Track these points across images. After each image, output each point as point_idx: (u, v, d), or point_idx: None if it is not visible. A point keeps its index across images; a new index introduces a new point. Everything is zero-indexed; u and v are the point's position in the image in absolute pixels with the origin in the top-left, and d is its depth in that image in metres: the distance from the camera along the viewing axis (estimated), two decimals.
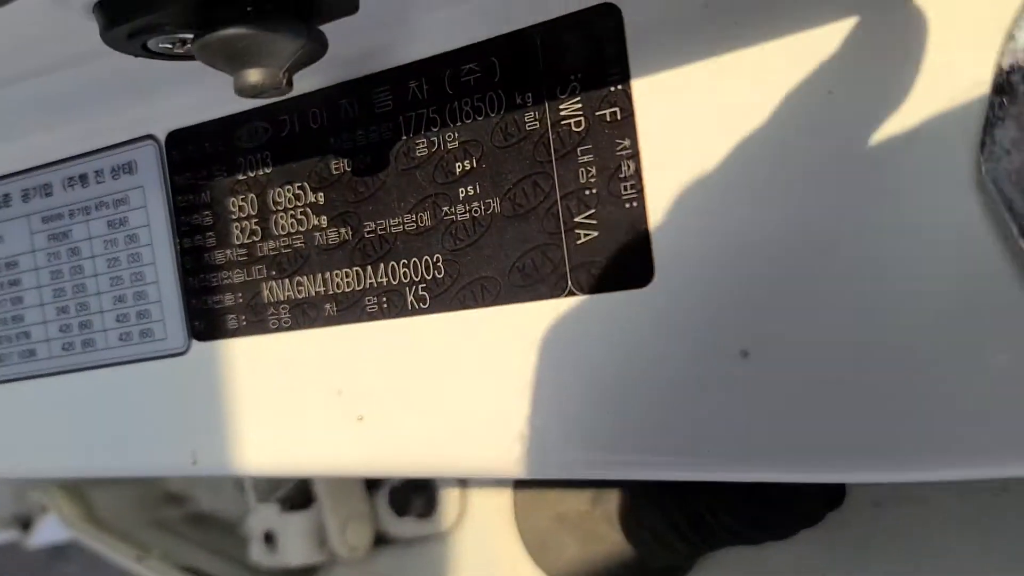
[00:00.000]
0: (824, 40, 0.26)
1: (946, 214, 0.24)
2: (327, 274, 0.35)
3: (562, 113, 0.30)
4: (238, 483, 0.65)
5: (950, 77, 0.24)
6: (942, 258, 0.24)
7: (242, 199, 0.36)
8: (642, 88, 0.28)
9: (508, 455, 0.32)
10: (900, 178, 0.25)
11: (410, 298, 0.33)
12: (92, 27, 0.29)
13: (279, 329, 0.36)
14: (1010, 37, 0.22)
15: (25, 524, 0.83)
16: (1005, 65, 0.22)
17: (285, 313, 0.36)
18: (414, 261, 0.33)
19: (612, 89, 0.29)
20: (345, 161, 0.34)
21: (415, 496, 0.55)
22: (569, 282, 0.30)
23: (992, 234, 0.23)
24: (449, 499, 0.55)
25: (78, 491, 0.67)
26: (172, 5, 0.27)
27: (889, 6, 0.25)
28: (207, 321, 0.38)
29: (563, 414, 0.30)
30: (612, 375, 0.29)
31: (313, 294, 0.35)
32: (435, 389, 0.33)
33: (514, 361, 0.31)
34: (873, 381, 0.26)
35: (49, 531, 0.80)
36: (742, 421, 0.27)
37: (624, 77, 0.28)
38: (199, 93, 0.37)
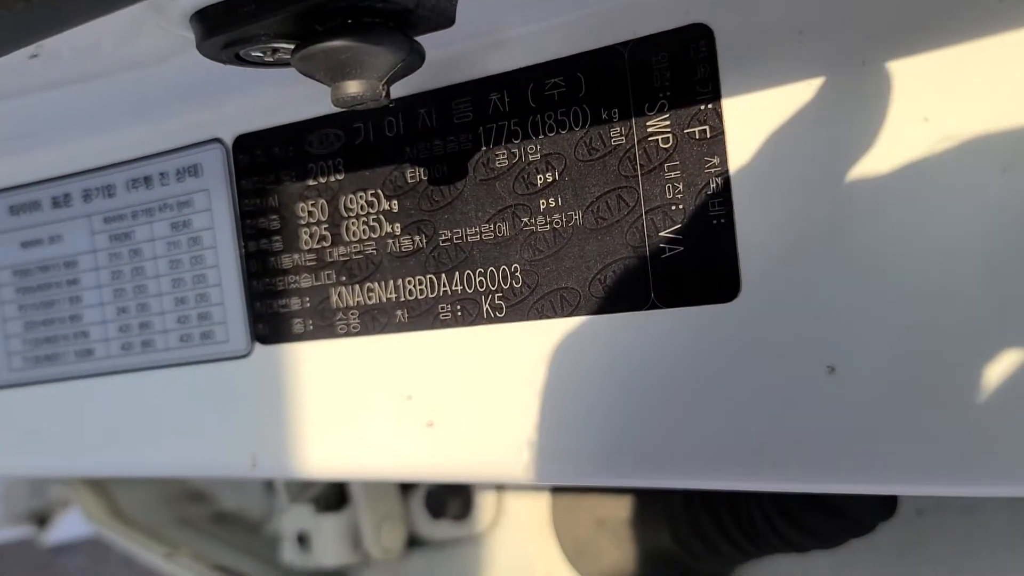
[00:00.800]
0: (917, 71, 0.26)
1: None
2: (399, 281, 0.35)
3: (649, 129, 0.30)
4: (267, 483, 0.65)
5: None
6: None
7: (312, 204, 0.37)
8: (733, 108, 0.29)
9: (583, 465, 0.32)
10: (996, 212, 0.25)
11: (486, 307, 0.33)
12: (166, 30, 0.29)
13: (347, 334, 0.36)
14: None
15: (41, 520, 0.82)
16: None
17: (354, 318, 0.36)
18: (491, 270, 0.33)
19: (702, 107, 0.29)
20: (421, 170, 0.34)
21: (451, 498, 0.55)
22: (653, 295, 0.30)
23: None
24: (485, 502, 0.55)
25: (102, 487, 0.67)
26: (275, 17, 0.27)
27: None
28: (271, 325, 0.38)
29: (643, 424, 0.31)
30: (695, 388, 0.30)
31: (384, 300, 0.35)
32: (509, 397, 0.33)
33: (594, 371, 0.31)
34: (948, 393, 0.27)
35: (68, 527, 0.80)
36: (827, 434, 0.28)
37: (715, 96, 0.29)
38: (268, 98, 0.37)
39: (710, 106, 0.29)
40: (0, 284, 0.43)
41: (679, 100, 0.29)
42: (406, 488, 0.58)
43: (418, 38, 0.29)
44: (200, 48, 0.29)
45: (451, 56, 0.33)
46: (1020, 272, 0.26)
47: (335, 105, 0.28)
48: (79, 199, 0.42)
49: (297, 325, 0.37)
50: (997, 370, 0.26)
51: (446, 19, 0.29)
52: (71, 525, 0.78)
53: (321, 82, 0.28)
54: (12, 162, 0.43)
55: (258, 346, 0.38)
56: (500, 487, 0.55)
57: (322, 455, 0.38)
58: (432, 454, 0.35)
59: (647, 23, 0.30)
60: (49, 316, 0.43)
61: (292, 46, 0.28)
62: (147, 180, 0.40)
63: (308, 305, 0.37)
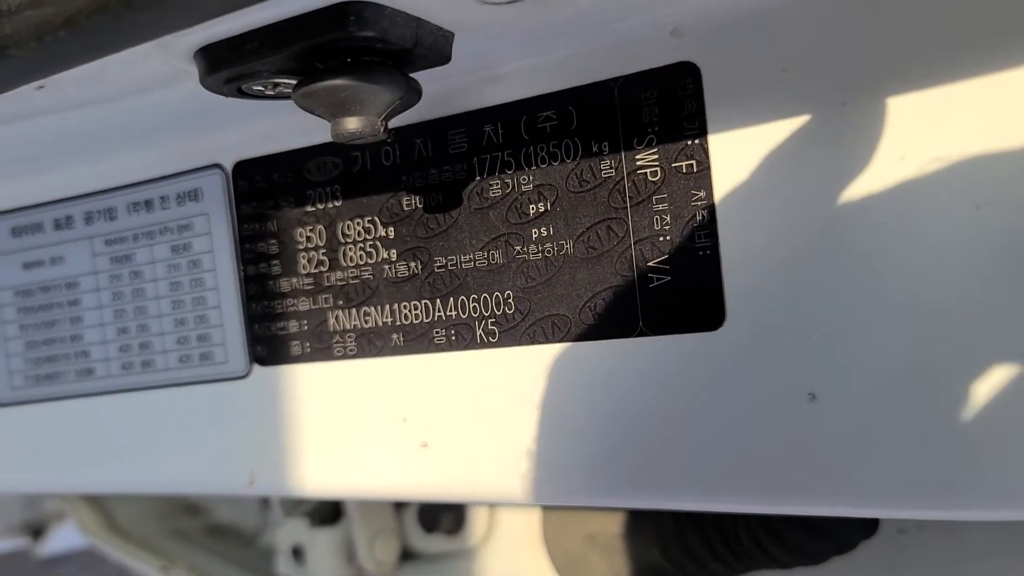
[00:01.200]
0: (895, 111, 0.27)
1: (1014, 279, 0.26)
2: (395, 305, 0.36)
3: (638, 163, 0.31)
4: (261, 497, 0.66)
5: None
6: (1001, 324, 0.26)
7: (310, 230, 0.38)
8: (719, 143, 0.30)
9: (572, 486, 0.33)
10: (973, 242, 0.27)
11: (479, 331, 0.34)
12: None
13: (344, 357, 0.37)
14: None
15: (36, 532, 0.83)
16: None
17: (351, 341, 0.37)
18: (484, 297, 0.34)
19: (689, 143, 0.30)
20: (417, 198, 0.35)
21: (444, 513, 0.56)
22: (641, 323, 0.31)
23: None
24: (477, 517, 0.56)
25: (98, 500, 0.68)
26: (277, 55, 0.28)
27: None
28: (269, 347, 0.39)
29: (630, 448, 0.32)
30: (682, 413, 0.31)
31: (380, 324, 0.36)
32: (502, 420, 0.34)
33: (583, 396, 0.32)
34: (927, 420, 0.28)
35: (62, 538, 0.81)
36: (807, 459, 0.29)
37: (702, 132, 0.30)
38: (267, 126, 0.38)
39: (697, 141, 0.30)
40: (2, 304, 0.44)
41: (667, 135, 0.31)
42: (400, 503, 0.59)
43: (416, 74, 0.30)
44: (203, 83, 0.30)
45: (448, 89, 0.34)
46: (994, 304, 0.27)
47: (335, 139, 0.29)
48: (81, 221, 0.42)
49: (295, 347, 0.38)
50: (974, 399, 0.27)
51: (443, 57, 0.30)
52: (66, 537, 0.79)
53: (321, 117, 0.29)
54: (15, 184, 0.44)
55: (256, 367, 0.39)
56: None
57: (318, 475, 0.38)
58: (426, 474, 0.36)
59: (637, 60, 0.31)
60: (50, 336, 0.43)
61: (294, 82, 0.29)
62: (148, 204, 0.41)
63: (306, 328, 0.38)
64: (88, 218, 0.42)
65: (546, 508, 0.54)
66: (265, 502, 0.67)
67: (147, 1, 0.24)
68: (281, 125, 0.38)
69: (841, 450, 0.28)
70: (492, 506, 0.56)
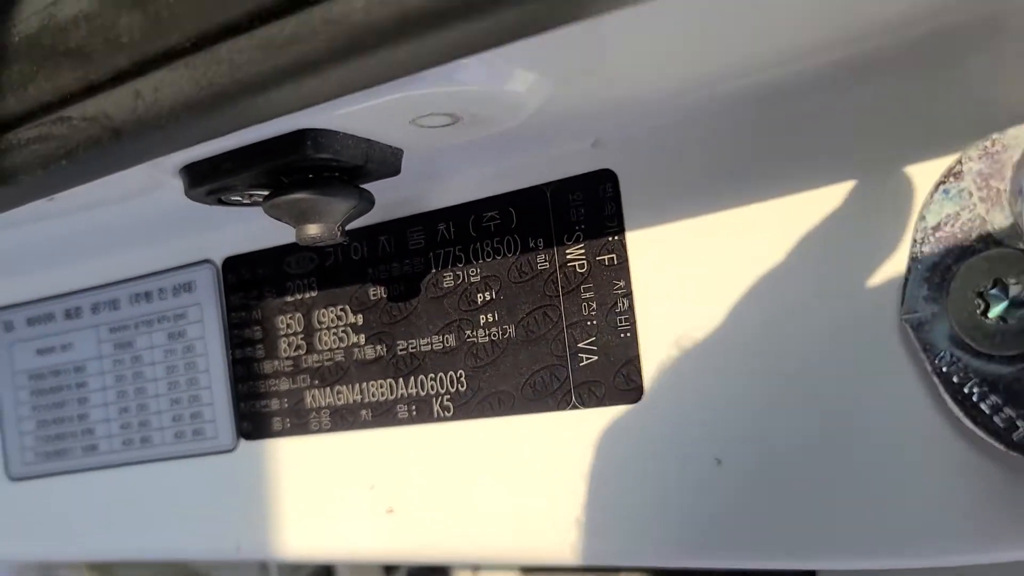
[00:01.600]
0: (796, 209, 0.32)
1: (876, 353, 0.30)
2: (364, 384, 0.40)
3: (568, 256, 0.35)
4: (262, 563, 0.69)
5: (884, 247, 0.30)
6: (875, 389, 0.30)
7: (290, 317, 0.42)
8: (635, 239, 0.34)
9: (520, 545, 0.37)
10: (842, 323, 0.31)
11: (436, 407, 0.38)
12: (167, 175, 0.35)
13: (320, 431, 0.41)
14: (921, 217, 0.28)
15: None
16: (917, 238, 0.28)
17: (326, 417, 0.41)
18: (440, 376, 0.38)
19: (610, 239, 0.35)
20: (382, 288, 0.40)
21: (431, 574, 0.60)
22: (573, 397, 0.35)
23: (913, 368, 0.29)
24: None
25: (107, 568, 0.71)
26: (247, 172, 0.33)
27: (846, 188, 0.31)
28: (254, 423, 0.43)
29: (568, 510, 0.35)
30: (610, 478, 0.35)
31: (351, 401, 0.40)
32: (458, 486, 0.38)
33: (525, 463, 0.36)
34: (824, 484, 0.31)
35: None
36: (716, 517, 0.33)
37: (620, 229, 0.34)
38: (252, 226, 0.43)
39: (616, 237, 0.34)
40: (17, 387, 0.49)
41: (591, 232, 0.35)
42: (390, 565, 0.62)
43: (371, 184, 0.35)
44: (188, 194, 0.35)
45: (404, 194, 0.39)
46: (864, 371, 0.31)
47: (299, 243, 0.33)
48: (88, 311, 0.47)
49: (276, 423, 0.43)
50: (868, 458, 0.31)
51: (393, 169, 0.34)
52: None
53: (288, 224, 0.34)
54: (30, 279, 0.48)
55: (242, 442, 0.43)
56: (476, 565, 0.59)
57: (299, 539, 0.42)
58: (393, 538, 0.40)
59: (564, 168, 0.35)
60: (60, 415, 0.48)
61: (265, 193, 0.34)
62: (147, 295, 0.46)
63: (286, 405, 0.42)
64: (95, 308, 0.47)
65: (525, 571, 0.57)
66: (264, 566, 0.70)
67: (133, 135, 0.29)
68: (263, 225, 0.43)
69: (744, 509, 0.32)
70: (475, 569, 0.59)
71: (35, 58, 0.29)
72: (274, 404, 0.43)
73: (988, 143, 0.27)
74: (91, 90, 0.29)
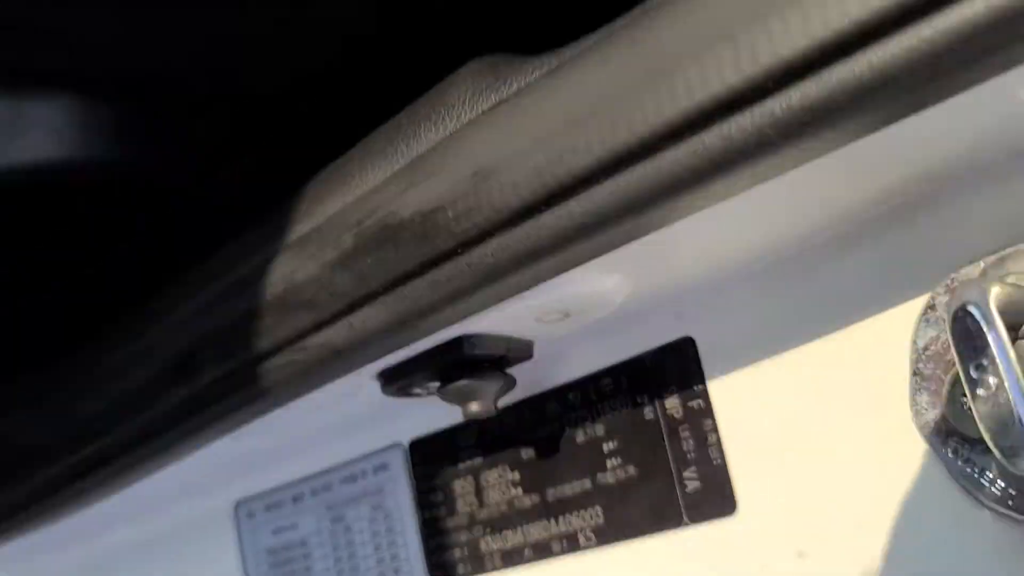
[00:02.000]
0: (838, 350, 0.42)
1: (896, 457, 0.39)
2: (525, 527, 0.51)
3: (667, 406, 0.46)
4: None
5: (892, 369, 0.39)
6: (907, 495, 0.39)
7: (463, 481, 0.54)
8: (716, 387, 0.45)
9: None
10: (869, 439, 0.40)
11: (582, 539, 0.49)
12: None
13: (493, 569, 0.52)
14: (913, 342, 0.37)
15: None
16: (913, 356, 0.37)
17: (498, 559, 0.52)
18: (582, 513, 0.49)
19: (695, 388, 0.45)
20: (531, 449, 0.51)
21: None
22: (684, 517, 0.45)
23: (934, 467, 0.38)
24: None
25: None
26: (427, 371, 0.46)
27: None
28: (443, 570, 0.54)
29: None
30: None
31: (517, 544, 0.51)
32: None
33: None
34: None
35: None
36: None
37: (702, 380, 0.45)
38: (430, 412, 0.56)
39: (700, 387, 0.45)
40: (259, 562, 0.62)
41: (682, 386, 0.46)
42: None
43: (513, 368, 0.47)
44: (384, 391, 0.48)
45: (540, 374, 0.51)
46: None
47: (464, 419, 0.46)
48: (309, 495, 0.60)
49: (460, 567, 0.53)
50: None
51: (527, 355, 0.47)
52: None
53: (455, 404, 0.46)
54: (268, 474, 0.62)
55: None
56: None
57: None
58: None
59: (656, 338, 0.47)
60: None
61: (438, 384, 0.47)
62: (353, 477, 0.58)
63: (466, 553, 0.53)
64: (314, 492, 0.60)
65: None
66: None
67: (347, 353, 0.43)
68: (436, 411, 0.55)
69: None
70: None
71: (282, 309, 0.44)
72: (456, 553, 0.54)
73: (948, 281, 0.36)
74: (318, 327, 0.43)
